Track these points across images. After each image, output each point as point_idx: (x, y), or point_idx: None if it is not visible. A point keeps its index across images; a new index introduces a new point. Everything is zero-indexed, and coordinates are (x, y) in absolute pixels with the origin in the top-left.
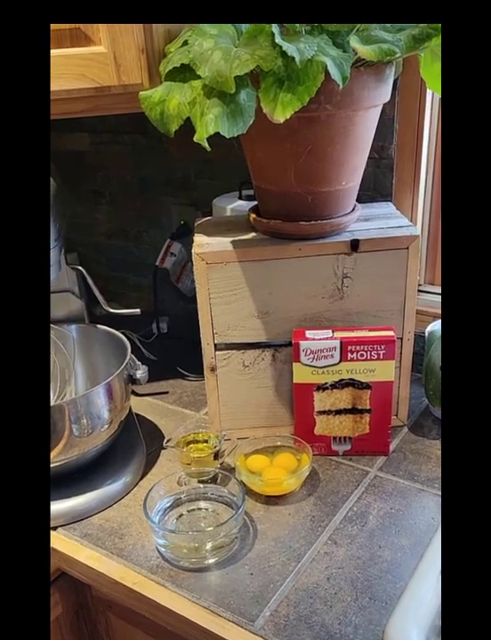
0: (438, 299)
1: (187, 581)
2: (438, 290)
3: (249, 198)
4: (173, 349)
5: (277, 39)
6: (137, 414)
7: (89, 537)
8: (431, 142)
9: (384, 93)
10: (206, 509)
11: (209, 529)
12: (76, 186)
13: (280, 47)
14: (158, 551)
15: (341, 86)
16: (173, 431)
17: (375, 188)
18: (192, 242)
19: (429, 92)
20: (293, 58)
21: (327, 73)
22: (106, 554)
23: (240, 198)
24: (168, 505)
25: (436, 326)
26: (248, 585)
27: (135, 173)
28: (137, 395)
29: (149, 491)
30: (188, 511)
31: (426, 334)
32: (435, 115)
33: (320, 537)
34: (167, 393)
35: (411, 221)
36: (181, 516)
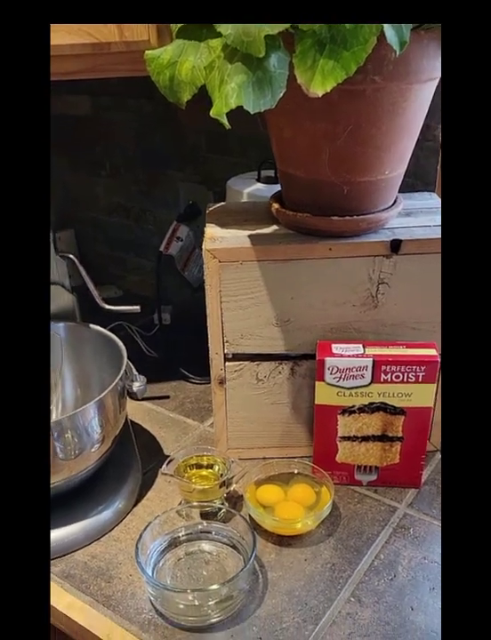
0: None
1: None
2: None
3: (269, 181)
4: (177, 345)
5: None
6: (132, 422)
7: (72, 579)
8: None
9: None
10: (209, 553)
11: (213, 587)
12: (73, 154)
13: None
14: (152, 603)
15: (397, 53)
16: (173, 445)
17: (416, 174)
18: (202, 225)
19: None
20: None
21: (380, 36)
22: (90, 602)
23: (259, 180)
24: (164, 546)
25: None
26: None
27: (140, 143)
28: (133, 398)
29: (141, 534)
30: (186, 554)
31: None
32: None
33: (342, 592)
34: (168, 397)
35: None
36: (179, 559)
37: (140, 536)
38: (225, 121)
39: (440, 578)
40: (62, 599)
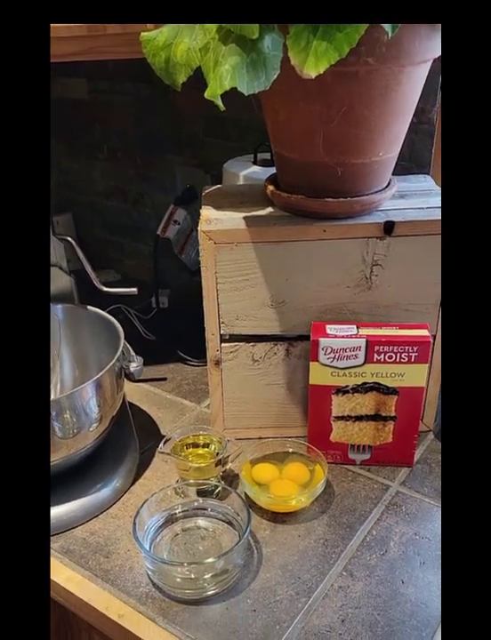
0: None
1: (180, 616)
2: None
3: (266, 164)
4: (174, 327)
5: None
6: (130, 404)
7: (71, 554)
8: None
9: (439, 45)
10: (205, 529)
11: (208, 561)
12: (70, 138)
13: None
14: (149, 576)
15: (389, 35)
16: (170, 425)
17: (411, 157)
18: (199, 208)
19: None
20: None
21: None
22: (89, 576)
23: (255, 163)
24: (161, 522)
25: None
26: (250, 624)
27: (137, 127)
28: (131, 380)
29: (139, 509)
30: (183, 530)
31: None
32: None
33: (334, 566)
34: (166, 379)
35: None
36: (176, 535)
37: (138, 512)
38: (219, 102)
39: (431, 553)
40: (61, 573)
